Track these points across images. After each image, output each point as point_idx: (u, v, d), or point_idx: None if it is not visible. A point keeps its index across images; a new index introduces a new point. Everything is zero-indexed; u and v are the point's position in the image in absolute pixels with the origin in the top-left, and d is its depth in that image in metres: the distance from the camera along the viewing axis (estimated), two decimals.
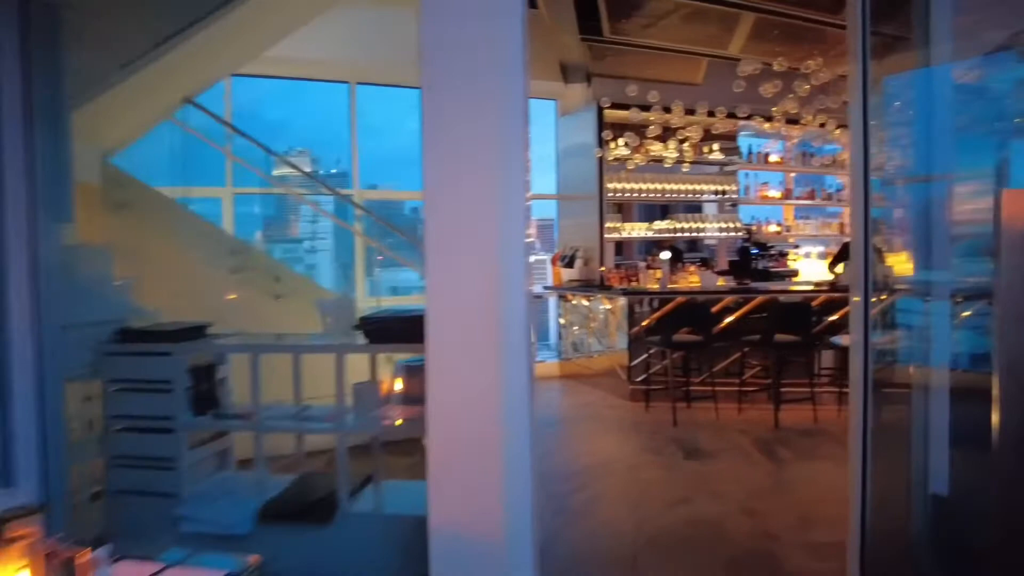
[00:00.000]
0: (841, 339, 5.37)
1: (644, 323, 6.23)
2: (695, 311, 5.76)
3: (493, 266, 2.01)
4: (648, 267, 7.21)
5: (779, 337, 5.44)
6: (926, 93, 3.21)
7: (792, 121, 7.56)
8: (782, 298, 6.17)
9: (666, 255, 6.53)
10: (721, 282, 7.23)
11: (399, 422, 2.82)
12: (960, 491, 2.08)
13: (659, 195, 7.68)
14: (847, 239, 8.32)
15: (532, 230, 3.19)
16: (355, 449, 3.03)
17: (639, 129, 7.02)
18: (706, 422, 5.43)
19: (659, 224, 7.77)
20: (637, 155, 7.11)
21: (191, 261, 4.56)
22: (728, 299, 6.12)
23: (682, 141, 7.41)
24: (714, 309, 6.00)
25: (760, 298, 6.10)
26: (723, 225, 8.14)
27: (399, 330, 2.50)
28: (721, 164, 8.18)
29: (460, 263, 2.02)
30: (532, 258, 3.27)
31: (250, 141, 5.63)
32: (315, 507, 2.74)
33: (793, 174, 9.09)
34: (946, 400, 2.22)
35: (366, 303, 6.63)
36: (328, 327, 2.90)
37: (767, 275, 8.13)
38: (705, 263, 8.08)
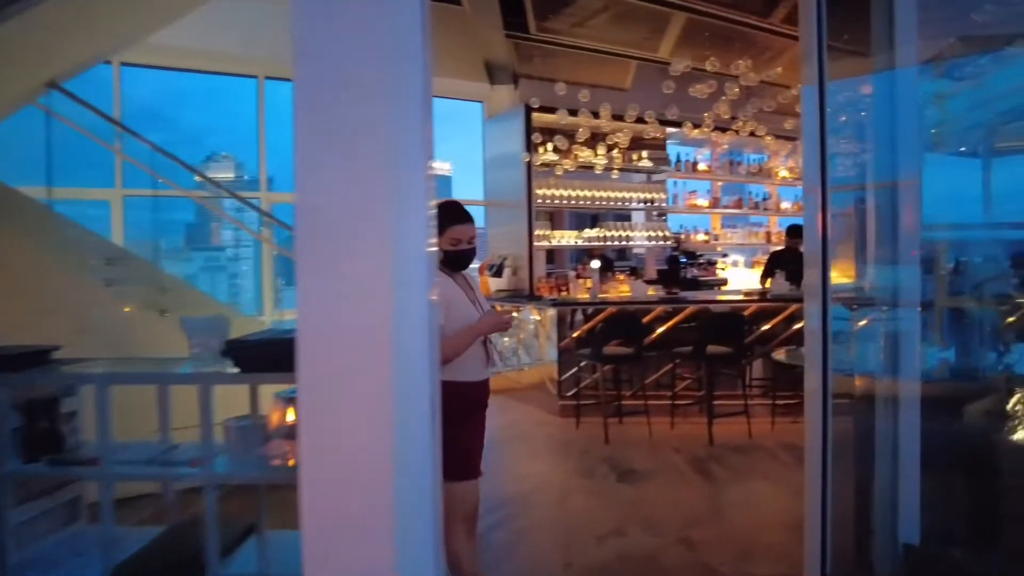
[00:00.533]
0: (775, 353, 5.23)
1: (575, 334, 5.96)
2: (626, 322, 5.51)
3: (385, 280, 1.62)
4: (578, 276, 6.96)
5: (711, 349, 5.26)
6: (870, 100, 3.06)
7: (721, 128, 7.52)
8: (713, 308, 6.03)
9: (596, 264, 6.28)
10: (651, 291, 7.07)
11: (291, 462, 2.38)
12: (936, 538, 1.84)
13: (588, 202, 7.46)
14: (776, 247, 8.36)
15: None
16: (237, 490, 2.56)
17: (568, 134, 6.77)
18: (639, 439, 5.17)
19: (588, 232, 7.54)
20: (566, 160, 6.85)
21: (55, 272, 3.93)
22: (659, 309, 5.92)
23: (611, 147, 7.22)
24: (645, 320, 5.78)
25: (691, 308, 5.93)
26: (652, 234, 8.00)
27: (274, 356, 2.07)
28: (650, 172, 8.07)
29: (342, 277, 1.62)
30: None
31: (134, 136, 5.02)
32: (178, 569, 2.26)
33: (721, 183, 9.10)
34: (916, 426, 1.97)
35: (271, 317, 6.08)
36: (194, 352, 2.42)
37: (696, 284, 8.05)
38: (634, 272, 7.92)
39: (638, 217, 8.35)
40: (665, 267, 8.15)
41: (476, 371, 2.48)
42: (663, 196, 8.07)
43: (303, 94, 1.62)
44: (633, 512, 3.70)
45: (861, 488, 2.29)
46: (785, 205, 9.52)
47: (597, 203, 7.48)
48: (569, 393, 5.89)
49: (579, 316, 6.07)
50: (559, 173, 6.87)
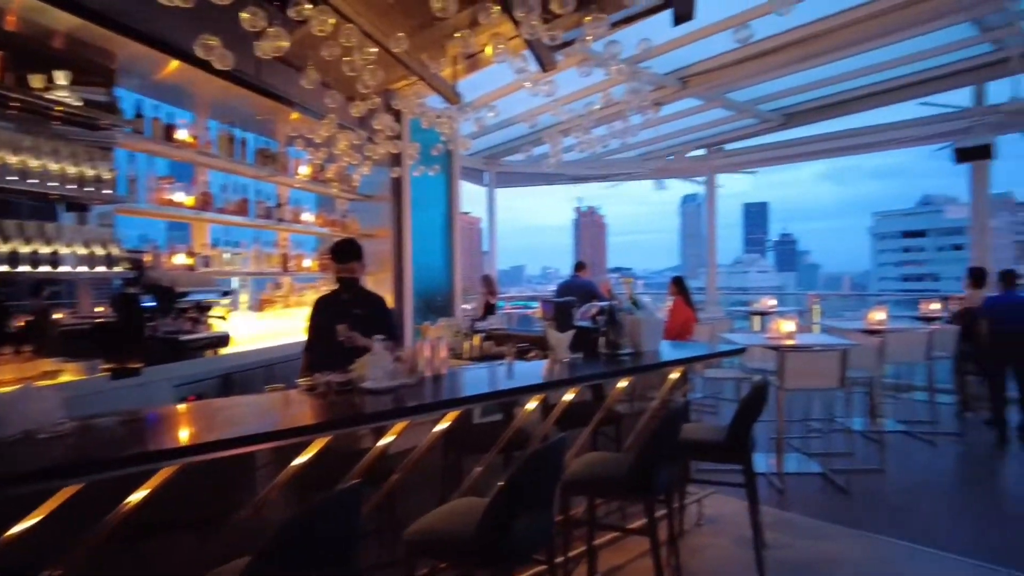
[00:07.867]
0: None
1: None
2: None
3: None
4: None
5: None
6: None
7: (240, 81, 3.97)
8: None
9: None
10: (66, 375, 3.14)
11: None
12: None
13: None
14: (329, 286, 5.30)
15: None
16: None
17: None
18: None
19: None
20: None
21: None
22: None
23: None
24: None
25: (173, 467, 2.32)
26: (81, 251, 3.90)
27: None
28: (82, 123, 3.94)
29: None
30: None
31: None
32: None
33: (212, 169, 5.52)
34: None
35: None
36: None
37: (178, 348, 4.34)
38: (38, 334, 3.66)
39: (65, 218, 4.09)
40: (111, 318, 4.12)
41: None
42: (109, 176, 4.06)
43: None
44: None
45: None
46: (307, 216, 6.55)
47: None
48: None
49: None
50: None
